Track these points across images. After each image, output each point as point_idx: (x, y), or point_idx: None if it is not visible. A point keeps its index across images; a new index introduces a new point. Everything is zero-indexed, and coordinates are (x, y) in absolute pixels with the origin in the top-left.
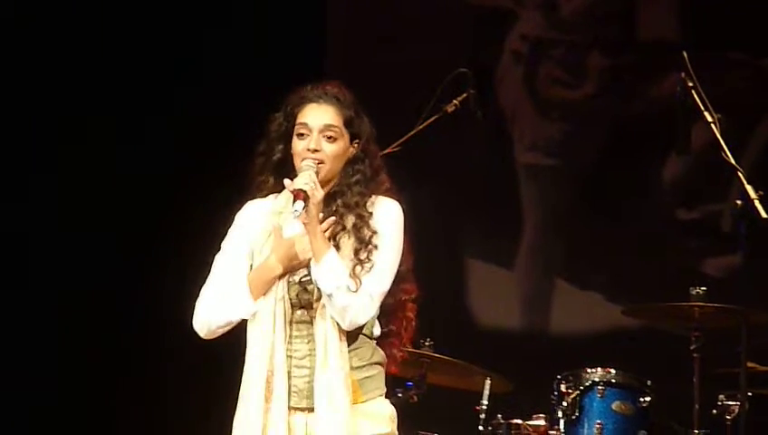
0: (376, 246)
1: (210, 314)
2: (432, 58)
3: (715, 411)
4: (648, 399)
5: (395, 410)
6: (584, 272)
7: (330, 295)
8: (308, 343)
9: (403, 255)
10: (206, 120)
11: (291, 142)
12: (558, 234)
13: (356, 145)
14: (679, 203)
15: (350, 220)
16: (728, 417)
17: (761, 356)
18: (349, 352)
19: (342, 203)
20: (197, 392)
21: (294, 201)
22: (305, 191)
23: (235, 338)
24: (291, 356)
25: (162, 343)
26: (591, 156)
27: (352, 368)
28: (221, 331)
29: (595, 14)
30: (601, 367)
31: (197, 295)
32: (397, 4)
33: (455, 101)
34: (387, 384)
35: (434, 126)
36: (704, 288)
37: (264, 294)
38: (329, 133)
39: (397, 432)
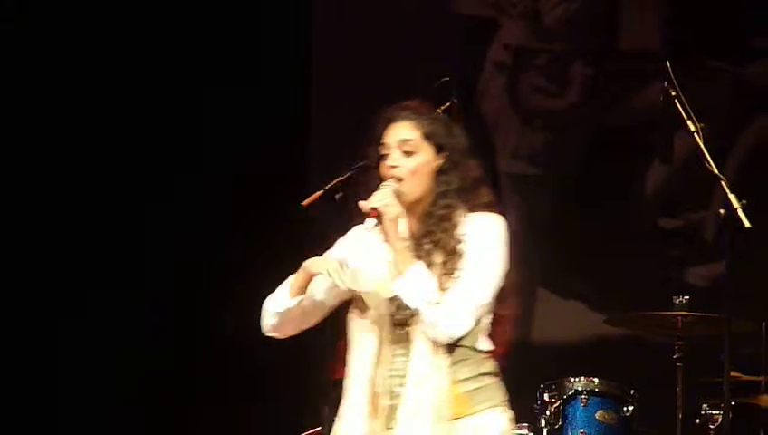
0: (460, 256)
1: (264, 305)
2: (415, 68)
3: (698, 420)
4: (631, 408)
5: (508, 424)
6: (567, 281)
7: (417, 309)
8: (408, 361)
9: (510, 269)
10: None
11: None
12: (540, 243)
13: (443, 156)
14: (662, 212)
15: (441, 235)
16: (711, 426)
17: (744, 365)
18: (453, 365)
19: (438, 217)
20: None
21: (367, 220)
22: (377, 208)
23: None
24: (393, 376)
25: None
26: (574, 165)
27: (458, 381)
28: (274, 322)
29: (578, 24)
30: (585, 376)
31: None
32: (380, 17)
33: (438, 110)
34: None
35: None
36: (687, 297)
37: (299, 294)
38: (406, 148)
39: None
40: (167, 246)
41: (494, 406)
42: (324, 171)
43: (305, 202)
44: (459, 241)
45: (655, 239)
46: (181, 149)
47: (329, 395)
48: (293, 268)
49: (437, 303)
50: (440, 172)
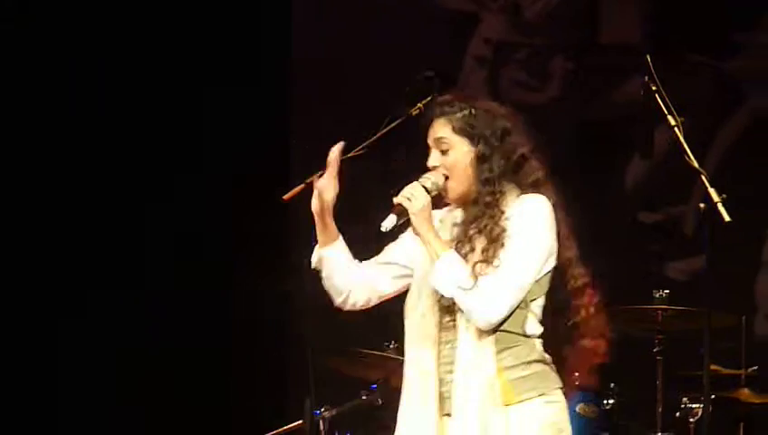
0: (503, 244)
1: None
2: (396, 62)
3: (678, 414)
4: (611, 401)
5: (558, 413)
6: None
7: (452, 297)
8: (455, 348)
9: (563, 244)
10: None
11: None
12: None
13: (479, 146)
14: (642, 206)
15: (484, 221)
16: (691, 419)
17: (724, 359)
18: (500, 352)
19: (479, 204)
20: None
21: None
22: (400, 204)
23: None
24: (442, 363)
25: None
26: (554, 159)
27: (505, 368)
28: (331, 291)
29: (558, 18)
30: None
31: None
32: (360, 12)
33: (419, 105)
34: (353, 386)
35: (399, 129)
36: (667, 291)
37: (325, 244)
38: (441, 147)
39: None
40: (167, 246)
41: (542, 394)
42: (306, 166)
43: (287, 196)
44: (504, 229)
45: (635, 234)
46: (181, 149)
47: (310, 388)
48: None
49: (471, 289)
50: (480, 160)
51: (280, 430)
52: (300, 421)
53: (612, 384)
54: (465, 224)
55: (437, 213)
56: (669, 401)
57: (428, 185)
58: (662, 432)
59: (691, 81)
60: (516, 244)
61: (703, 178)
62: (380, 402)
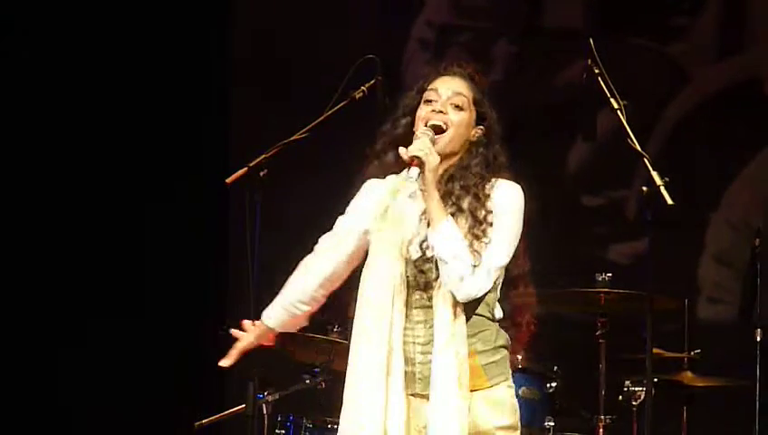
0: (491, 224)
1: None
2: (339, 44)
3: (620, 397)
4: (554, 384)
5: (514, 397)
6: None
7: (446, 262)
8: (429, 328)
9: (519, 257)
10: None
11: (415, 113)
12: None
13: (482, 128)
14: (585, 189)
15: (467, 201)
16: (634, 402)
17: (666, 342)
18: (471, 336)
19: (461, 185)
20: None
21: (409, 168)
22: (420, 157)
23: None
24: (414, 342)
25: None
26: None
27: (476, 352)
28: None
29: (501, 1)
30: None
31: None
32: None
33: (362, 88)
34: (296, 371)
35: (341, 113)
36: (609, 274)
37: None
38: (457, 101)
39: (519, 425)
40: (166, 276)
41: (506, 380)
42: (246, 149)
43: (229, 179)
44: (490, 211)
45: (577, 217)
46: (182, 175)
47: (253, 372)
48: None
49: (465, 259)
50: (477, 143)
51: (223, 414)
52: (242, 405)
53: (555, 367)
54: (442, 197)
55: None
56: (612, 383)
57: (432, 136)
58: (605, 415)
59: (634, 64)
60: (503, 226)
61: (645, 161)
62: (323, 386)
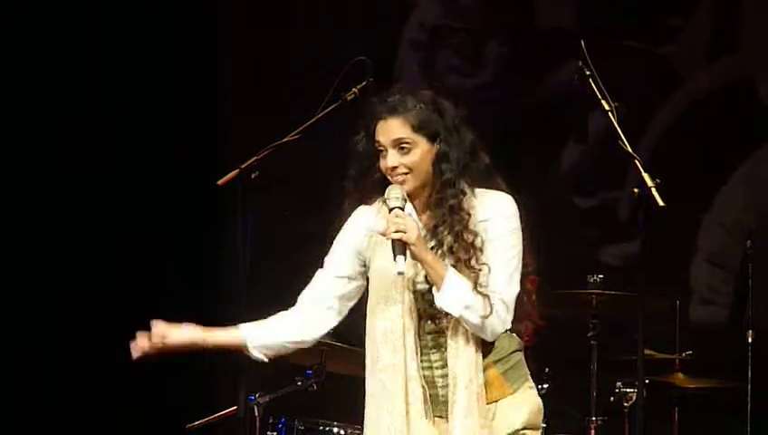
0: (481, 250)
1: None
2: (330, 45)
3: (612, 398)
4: (545, 386)
5: (537, 396)
6: None
7: (460, 317)
8: (444, 351)
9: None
10: None
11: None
12: None
13: (438, 143)
14: (576, 191)
15: (456, 226)
16: (626, 404)
17: (658, 343)
18: (487, 346)
19: (445, 209)
20: None
21: (394, 254)
22: (399, 240)
23: None
24: (432, 367)
25: None
26: (489, 144)
27: (493, 363)
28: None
29: (493, 3)
30: None
31: None
32: None
33: (354, 90)
34: (288, 373)
35: (333, 115)
36: (601, 276)
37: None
38: (402, 146)
39: (540, 424)
40: (156, 277)
41: (527, 380)
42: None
43: (221, 181)
44: (476, 234)
45: (569, 219)
46: (176, 175)
47: (245, 374)
48: None
49: (477, 307)
50: (440, 159)
51: (214, 416)
52: (234, 407)
53: (547, 369)
54: (430, 229)
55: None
56: (604, 385)
57: (401, 204)
58: (596, 416)
59: (626, 66)
60: (504, 251)
61: (637, 163)
62: (315, 388)
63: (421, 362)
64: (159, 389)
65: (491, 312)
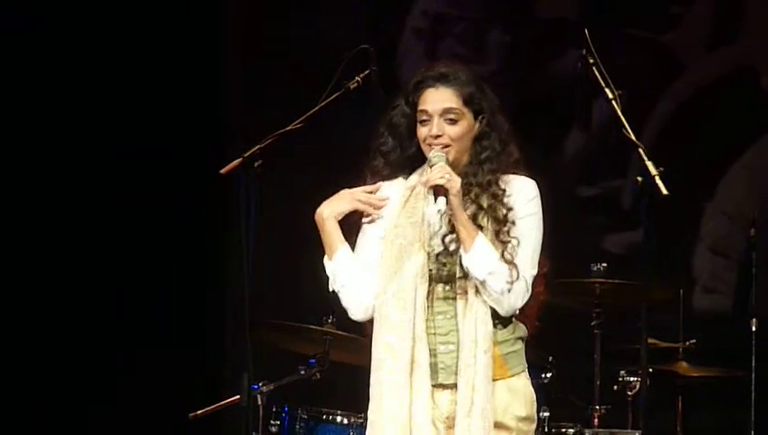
0: (513, 223)
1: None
2: (333, 34)
3: (615, 387)
4: (549, 375)
5: (532, 389)
6: None
7: (483, 282)
8: (451, 318)
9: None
10: None
11: (415, 131)
12: None
13: (481, 121)
14: (580, 179)
15: (486, 200)
16: (629, 392)
17: (661, 332)
18: (494, 326)
19: (476, 182)
20: None
21: (435, 198)
22: (442, 185)
23: None
24: (435, 333)
25: None
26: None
27: (498, 342)
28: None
29: None
30: None
31: None
32: None
33: (357, 78)
34: (291, 361)
35: (336, 103)
36: (604, 265)
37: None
38: (449, 116)
39: (536, 416)
40: (162, 268)
41: (524, 370)
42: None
43: (224, 170)
44: (510, 208)
45: (572, 207)
46: (178, 167)
47: (248, 363)
48: None
49: (502, 275)
50: (480, 137)
51: (217, 404)
52: (237, 396)
53: (550, 357)
54: (466, 195)
55: (406, 182)
56: (607, 374)
57: (445, 162)
58: (600, 405)
59: (629, 53)
60: (529, 230)
61: (640, 151)
62: (318, 377)
63: (430, 327)
64: (163, 378)
65: (512, 284)
